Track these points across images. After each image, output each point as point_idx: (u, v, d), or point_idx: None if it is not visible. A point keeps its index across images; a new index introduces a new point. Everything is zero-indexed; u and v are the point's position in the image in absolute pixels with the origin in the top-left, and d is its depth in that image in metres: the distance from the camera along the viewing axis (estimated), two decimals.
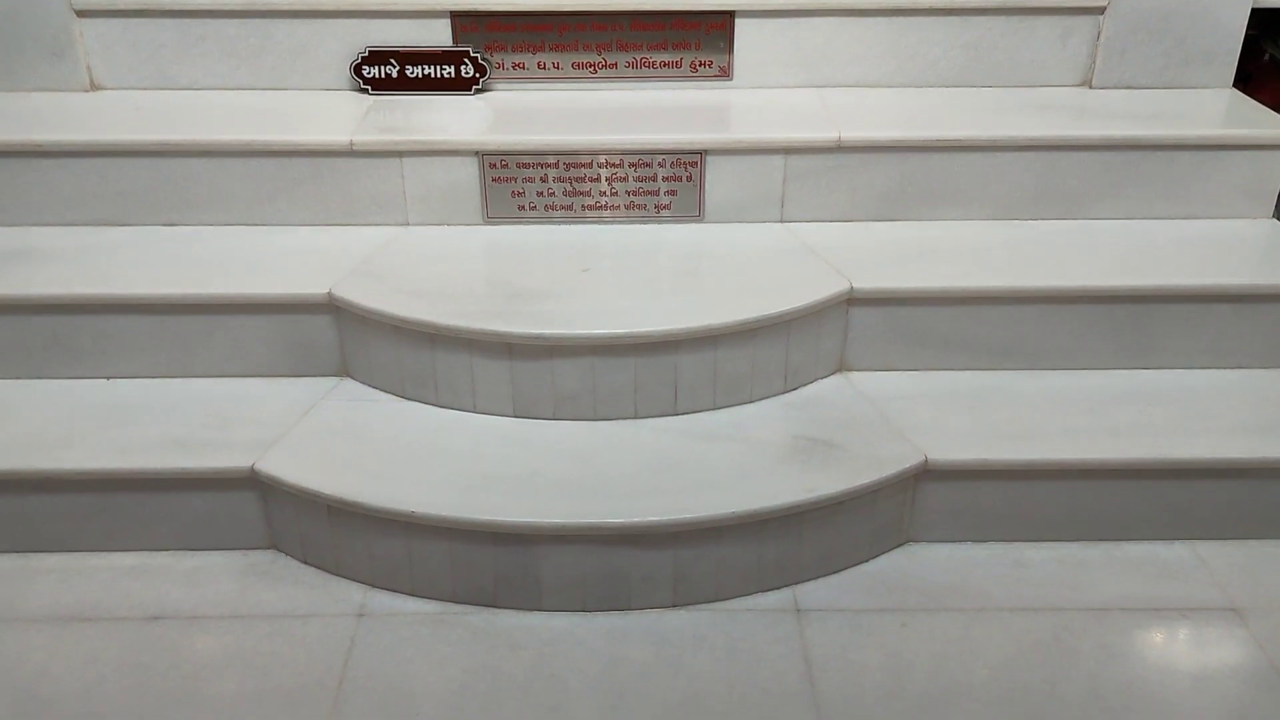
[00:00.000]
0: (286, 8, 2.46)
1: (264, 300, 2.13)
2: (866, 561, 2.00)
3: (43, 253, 2.25)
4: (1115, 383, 2.19)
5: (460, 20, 2.50)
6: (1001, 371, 2.22)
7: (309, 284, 2.13)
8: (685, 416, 2.09)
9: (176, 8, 2.44)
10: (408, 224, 2.38)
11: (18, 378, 2.18)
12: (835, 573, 1.97)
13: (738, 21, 2.52)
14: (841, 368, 2.22)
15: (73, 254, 2.25)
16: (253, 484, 1.95)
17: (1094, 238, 2.34)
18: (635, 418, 2.07)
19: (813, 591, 1.93)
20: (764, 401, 2.13)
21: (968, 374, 2.21)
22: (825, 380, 2.20)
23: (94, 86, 2.52)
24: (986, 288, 2.17)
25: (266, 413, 2.08)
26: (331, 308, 2.12)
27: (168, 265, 2.21)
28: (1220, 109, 2.50)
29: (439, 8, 2.48)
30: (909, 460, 1.94)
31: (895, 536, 2.03)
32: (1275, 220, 2.42)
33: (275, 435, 2.00)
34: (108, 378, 2.18)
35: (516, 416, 2.08)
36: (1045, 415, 2.09)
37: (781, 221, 2.42)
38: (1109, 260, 2.26)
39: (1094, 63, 2.56)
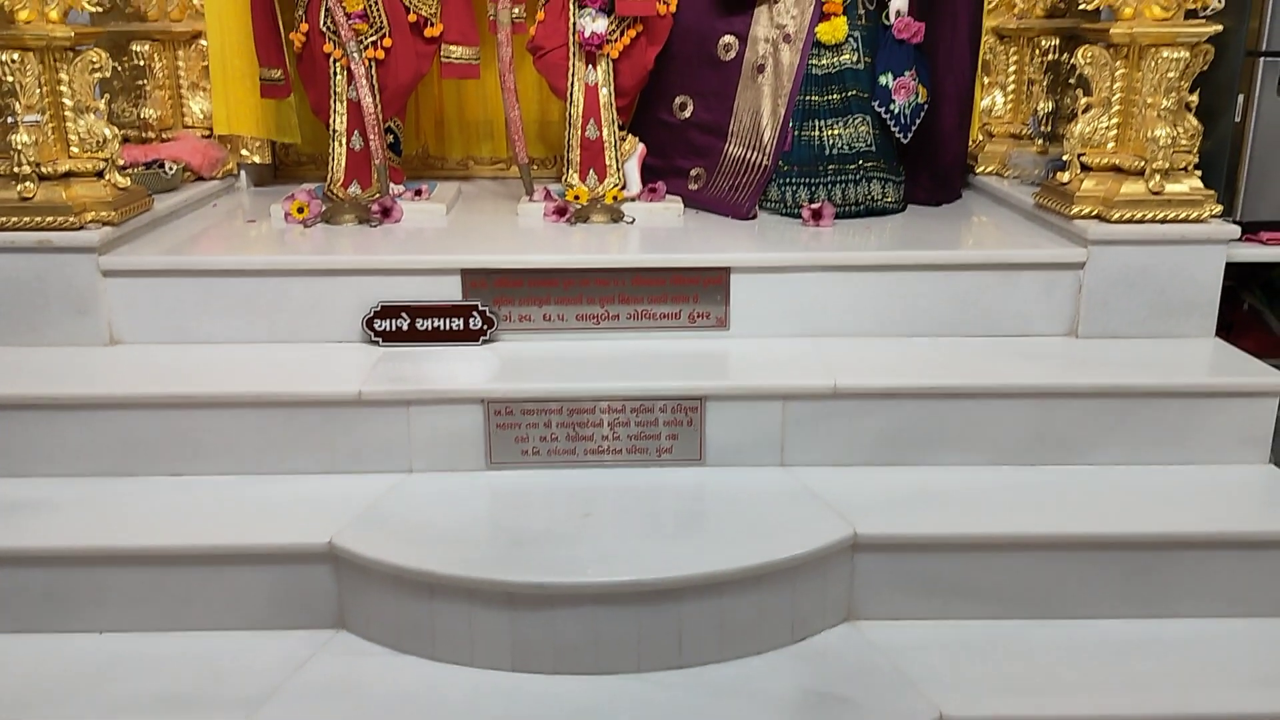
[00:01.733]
0: (305, 267, 2.58)
1: (263, 550, 2.11)
2: None
3: (45, 504, 2.25)
4: (1127, 631, 2.14)
5: (470, 276, 2.62)
6: (1012, 620, 2.17)
7: (309, 533, 2.12)
8: (691, 670, 2.02)
9: (201, 268, 2.57)
10: (411, 471, 2.40)
11: (9, 631, 2.13)
12: None
13: (734, 276, 2.64)
14: (850, 616, 2.18)
15: (74, 505, 2.25)
16: None
17: (1095, 483, 2.35)
18: (638, 671, 2.01)
19: None
20: (771, 654, 2.07)
21: (979, 623, 2.16)
22: (834, 630, 2.15)
23: (113, 341, 2.60)
24: (991, 534, 2.16)
25: (260, 667, 2.02)
26: (331, 557, 2.10)
27: (169, 516, 2.21)
28: (1206, 357, 2.57)
29: (451, 266, 2.61)
30: (923, 716, 1.87)
31: None
32: (1273, 466, 2.44)
33: (267, 692, 1.93)
34: (100, 631, 2.13)
35: (515, 670, 2.02)
36: (1060, 666, 2.02)
37: (782, 465, 2.43)
38: (1112, 506, 2.26)
39: (1078, 313, 2.66)
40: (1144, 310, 2.66)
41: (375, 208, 2.97)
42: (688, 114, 3.25)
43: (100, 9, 2.63)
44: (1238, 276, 2.98)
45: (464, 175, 3.72)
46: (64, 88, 2.57)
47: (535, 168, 3.47)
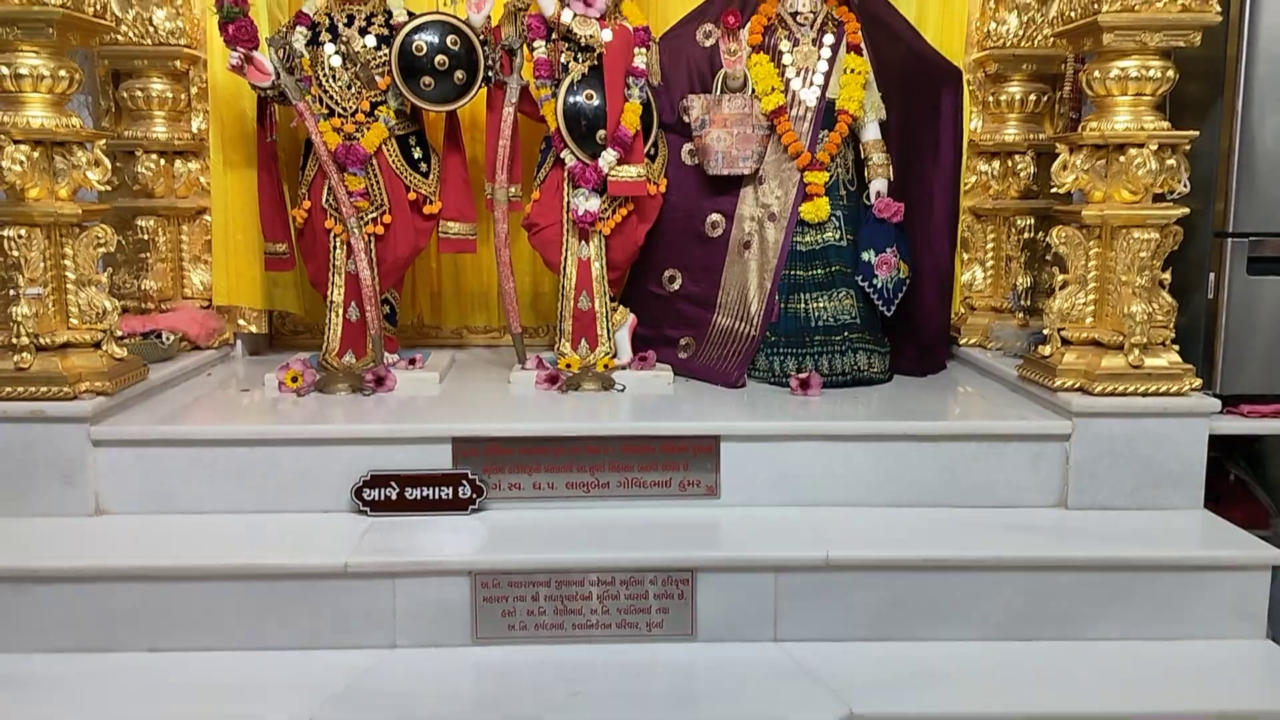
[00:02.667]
0: (295, 437, 2.60)
1: None
2: None
3: (15, 682, 2.18)
4: None
5: (461, 445, 2.63)
6: None
7: (287, 714, 2.05)
8: None
9: (190, 438, 2.58)
10: (395, 646, 2.34)
11: None
12: None
13: (724, 445, 2.65)
14: None
15: (47, 684, 2.18)
16: None
17: (1092, 659, 2.31)
18: None
19: None
20: None
21: None
22: None
23: (99, 511, 2.58)
24: (990, 714, 2.11)
25: None
26: None
27: (141, 698, 2.14)
28: (1196, 530, 2.57)
29: (441, 434, 2.62)
30: None
31: None
32: (1270, 641, 2.41)
33: None
34: None
35: None
36: None
37: (775, 640, 2.39)
38: (1110, 685, 2.21)
39: (1067, 485, 2.67)
40: (1132, 482, 2.67)
41: (369, 377, 3.00)
42: (677, 286, 3.34)
43: (109, 188, 2.72)
44: (1222, 447, 3.00)
45: (458, 344, 3.78)
46: (68, 261, 2.64)
47: (528, 336, 3.53)
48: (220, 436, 2.59)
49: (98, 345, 2.67)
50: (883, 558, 2.40)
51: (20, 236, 2.54)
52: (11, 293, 2.56)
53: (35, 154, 2.54)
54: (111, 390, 2.63)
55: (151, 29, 3.20)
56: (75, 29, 2.59)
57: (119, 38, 3.15)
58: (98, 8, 2.65)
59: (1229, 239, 2.79)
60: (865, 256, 3.14)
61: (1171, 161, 2.66)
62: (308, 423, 2.69)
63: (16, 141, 2.50)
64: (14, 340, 2.54)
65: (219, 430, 2.61)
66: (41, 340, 2.56)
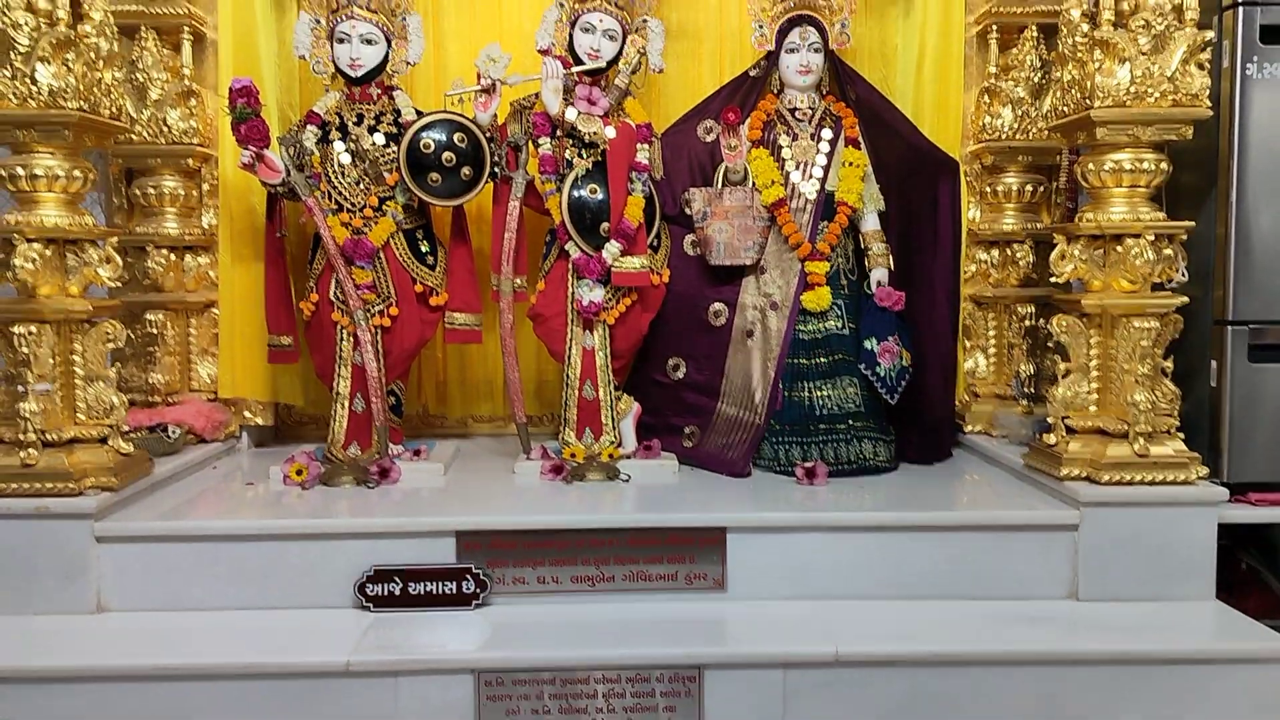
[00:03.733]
0: (299, 532, 2.59)
1: None
2: None
3: None
4: None
5: (465, 538, 2.61)
6: None
7: None
8: None
9: (194, 533, 2.57)
10: None
11: None
12: None
13: (730, 537, 2.64)
14: None
15: None
16: None
17: None
18: None
19: None
20: None
21: None
22: None
23: (101, 609, 2.56)
24: None
25: None
26: None
27: None
28: (1209, 622, 2.54)
29: (445, 528, 2.61)
30: None
31: None
32: None
33: None
34: None
35: None
36: None
37: None
38: None
39: (1077, 575, 2.64)
40: (1142, 572, 2.64)
41: (374, 469, 3.00)
42: (681, 374, 3.35)
43: (119, 284, 2.76)
44: (1233, 536, 2.97)
45: (463, 433, 3.78)
46: (77, 357, 2.66)
47: (533, 425, 3.54)
48: (224, 532, 2.58)
49: (104, 440, 2.67)
50: (892, 653, 2.36)
51: (30, 333, 2.57)
52: (20, 388, 2.57)
53: (48, 252, 2.59)
54: (116, 486, 2.63)
55: (165, 128, 3.27)
56: (91, 131, 2.66)
57: (133, 137, 3.22)
58: (114, 110, 2.72)
59: (1229, 327, 2.81)
60: (868, 345, 3.16)
61: (1169, 251, 2.70)
62: (312, 517, 2.68)
63: (30, 240, 2.55)
64: (21, 436, 2.55)
65: (223, 525, 2.60)
66: (48, 436, 2.57)
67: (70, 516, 2.54)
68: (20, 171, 2.57)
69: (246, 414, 3.48)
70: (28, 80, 2.49)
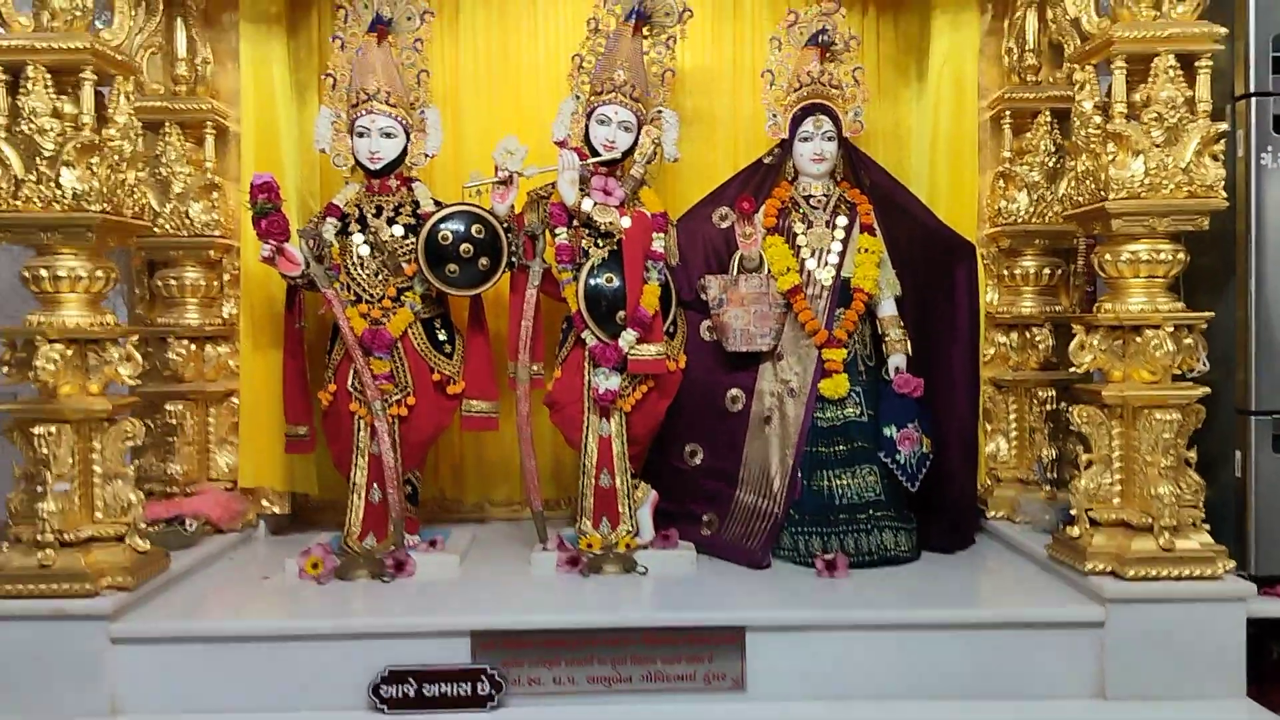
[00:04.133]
0: (314, 632, 2.57)
1: None
2: None
3: None
4: None
5: (480, 638, 2.59)
6: None
7: None
8: None
9: (210, 634, 2.56)
10: None
11: None
12: None
13: (749, 636, 2.60)
14: None
15: None
16: None
17: None
18: None
19: None
20: None
21: None
22: None
23: (115, 711, 2.53)
24: None
25: None
26: None
27: None
28: None
29: (460, 628, 2.59)
30: None
31: None
32: None
33: None
34: None
35: None
36: None
37: None
38: None
39: (1104, 673, 2.58)
40: (1170, 669, 2.58)
41: (389, 562, 2.99)
42: (699, 461, 3.34)
43: (139, 383, 2.77)
44: (1263, 625, 2.90)
45: (480, 517, 3.77)
46: (96, 456, 2.67)
47: (550, 508, 3.53)
48: (238, 633, 2.57)
49: (121, 539, 2.68)
50: None
51: (50, 433, 2.58)
52: (39, 488, 2.58)
53: (69, 352, 2.61)
54: (132, 586, 2.62)
55: (188, 221, 3.32)
56: (114, 232, 2.70)
57: (156, 230, 3.26)
58: (137, 210, 2.77)
59: (1252, 417, 2.77)
60: (887, 432, 3.14)
61: (1189, 340, 2.67)
62: (326, 617, 2.65)
63: (52, 341, 2.57)
64: (39, 537, 2.55)
65: (237, 626, 2.59)
66: (66, 536, 2.58)
67: (86, 618, 2.53)
68: (44, 273, 2.60)
69: (264, 502, 3.48)
70: (53, 184, 2.54)
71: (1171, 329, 2.64)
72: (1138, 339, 2.68)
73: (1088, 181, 2.74)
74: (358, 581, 2.95)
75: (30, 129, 2.53)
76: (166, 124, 3.35)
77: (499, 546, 3.37)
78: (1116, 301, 2.72)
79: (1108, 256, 2.73)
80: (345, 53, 3.18)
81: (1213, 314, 2.69)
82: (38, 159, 2.53)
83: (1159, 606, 2.59)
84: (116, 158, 2.66)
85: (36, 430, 2.58)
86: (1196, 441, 2.72)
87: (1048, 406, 3.41)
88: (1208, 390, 2.68)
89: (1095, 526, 2.74)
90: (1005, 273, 3.50)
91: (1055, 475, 3.35)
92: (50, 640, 2.53)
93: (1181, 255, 2.68)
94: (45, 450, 2.58)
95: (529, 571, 3.05)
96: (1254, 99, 2.75)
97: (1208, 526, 2.68)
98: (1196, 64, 2.63)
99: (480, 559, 3.21)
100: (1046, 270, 3.45)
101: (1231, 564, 2.64)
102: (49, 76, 2.57)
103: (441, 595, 2.84)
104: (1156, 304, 2.67)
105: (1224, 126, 2.62)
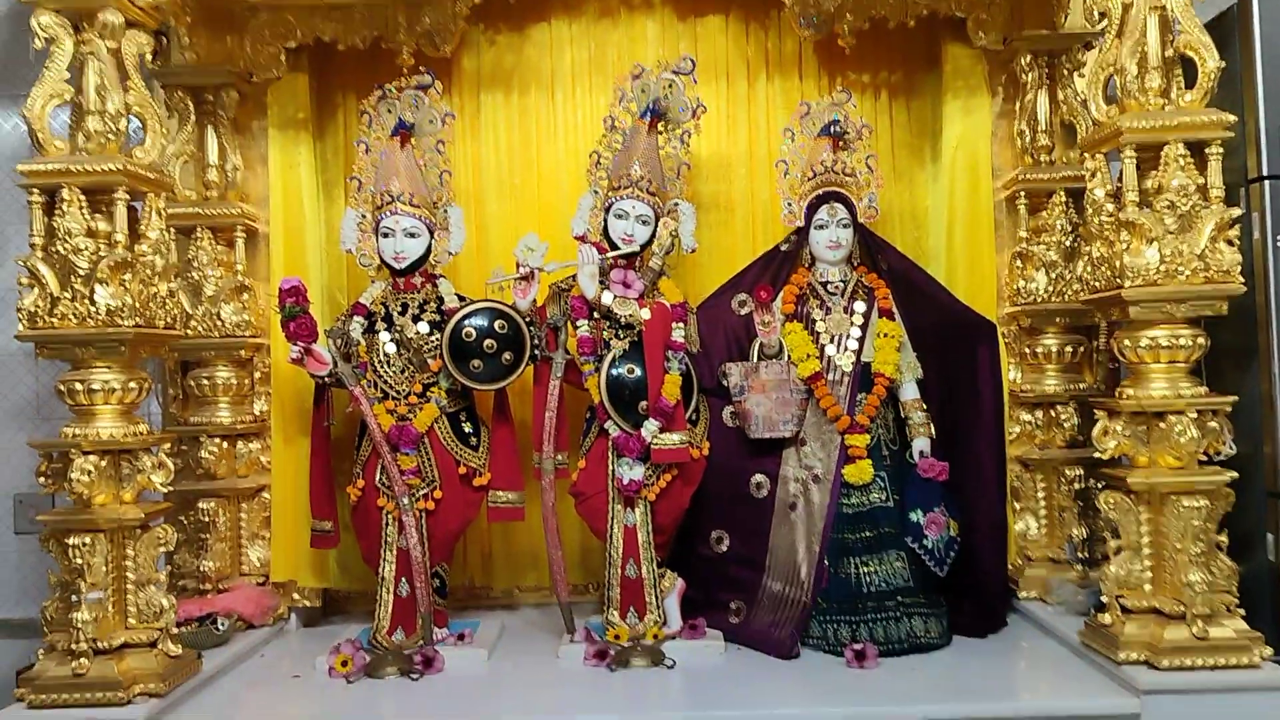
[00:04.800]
0: None
1: None
2: None
3: None
4: None
5: None
6: None
7: None
8: None
9: None
10: None
11: None
12: None
13: None
14: None
15: None
16: None
17: None
18: None
19: None
20: None
21: None
22: None
23: None
24: None
25: None
26: None
27: None
28: None
29: None
30: None
31: None
32: None
33: None
34: None
35: None
36: None
37: None
38: None
39: None
40: None
41: (418, 658, 3.00)
42: (724, 548, 3.33)
43: (171, 488, 2.83)
44: None
45: (509, 603, 3.77)
46: (129, 563, 2.72)
47: (577, 594, 3.54)
48: None
49: (153, 644, 2.71)
50: None
51: (85, 544, 2.63)
52: (74, 598, 2.63)
53: (103, 463, 2.67)
54: (164, 691, 2.65)
55: (219, 322, 3.40)
56: (147, 344, 2.77)
57: (188, 333, 3.34)
58: (169, 320, 2.84)
59: None
60: (913, 517, 3.12)
61: (1214, 424, 2.65)
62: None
63: (86, 453, 2.64)
64: (74, 646, 2.59)
65: None
66: (99, 644, 2.61)
67: None
68: (79, 386, 2.67)
69: (295, 595, 3.51)
70: (87, 301, 2.62)
71: (1195, 414, 2.62)
72: (1161, 425, 2.66)
73: (1103, 268, 2.74)
74: (387, 679, 2.96)
75: (65, 249, 2.61)
76: (198, 229, 3.44)
77: (527, 637, 3.36)
78: (1138, 387, 2.71)
79: (1127, 342, 2.72)
80: (370, 156, 3.27)
81: (1236, 397, 2.67)
82: (73, 277, 2.61)
83: (1195, 697, 2.54)
84: (149, 272, 2.74)
85: (71, 540, 2.63)
86: (1227, 524, 2.69)
87: (1076, 485, 3.37)
88: (1235, 475, 2.65)
89: (1127, 614, 2.70)
90: (1027, 351, 3.49)
91: (1087, 554, 3.31)
92: None
93: (1202, 340, 2.67)
94: (80, 560, 2.63)
95: (556, 665, 3.05)
96: (1267, 182, 2.75)
97: (1242, 612, 2.64)
98: (1207, 150, 2.64)
99: (509, 651, 3.21)
100: (1069, 348, 3.43)
101: (1268, 651, 2.59)
102: (83, 197, 2.66)
103: (470, 693, 2.84)
104: (1179, 389, 2.66)
105: (1238, 212, 2.62)
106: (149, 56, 2.88)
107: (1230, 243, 2.61)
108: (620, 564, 3.17)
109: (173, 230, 3.07)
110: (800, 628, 3.09)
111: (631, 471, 3.13)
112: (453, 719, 2.65)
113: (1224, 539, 2.67)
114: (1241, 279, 2.62)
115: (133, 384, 2.73)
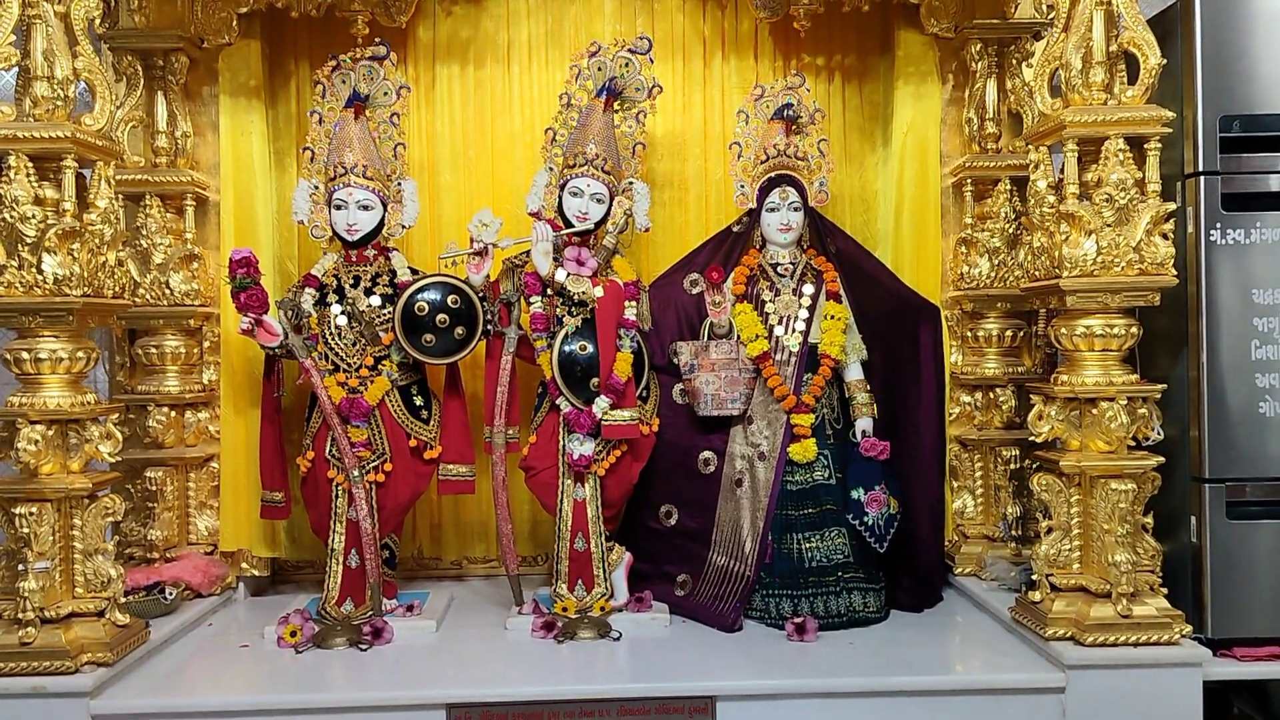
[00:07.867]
0: (291, 706, 2.60)
1: None
2: None
3: None
4: None
5: (455, 710, 2.64)
6: None
7: None
8: None
9: (189, 710, 2.59)
10: None
11: None
12: None
13: (719, 704, 2.66)
14: None
15: None
16: None
17: None
18: None
19: None
20: None
21: None
22: None
23: None
24: None
25: None
26: None
27: None
28: None
29: (436, 701, 2.64)
30: None
31: None
32: None
33: None
34: None
35: None
36: None
37: None
38: None
39: None
40: None
41: (367, 629, 3.03)
42: (673, 521, 3.39)
43: (118, 457, 2.81)
44: (1225, 682, 2.98)
45: (458, 575, 3.81)
46: (76, 533, 2.71)
47: (527, 565, 3.62)
48: (217, 708, 2.60)
49: (101, 614, 2.71)
50: None
51: (32, 513, 2.62)
52: (20, 567, 2.62)
53: (50, 432, 2.66)
54: (112, 660, 2.65)
55: (168, 291, 3.37)
56: (95, 313, 2.75)
57: (136, 301, 3.30)
58: (118, 289, 2.81)
59: (1206, 484, 2.85)
60: (855, 494, 3.21)
61: (1143, 411, 2.76)
62: (304, 689, 2.69)
63: (33, 422, 2.62)
64: (20, 615, 2.59)
65: (216, 701, 2.62)
66: (46, 613, 2.61)
67: (66, 695, 2.56)
68: (25, 355, 2.65)
69: (243, 565, 3.52)
70: (34, 270, 2.59)
71: (1125, 401, 2.72)
72: (1093, 410, 2.76)
73: (1043, 257, 2.83)
74: (336, 650, 2.99)
75: (12, 217, 2.57)
76: (147, 196, 3.40)
77: (476, 608, 3.41)
78: (1072, 374, 2.80)
79: (1063, 330, 2.81)
80: (323, 127, 3.25)
81: (1165, 385, 2.77)
82: (19, 246, 2.58)
83: (1118, 672, 2.66)
84: (97, 241, 2.71)
85: (18, 510, 2.62)
86: (1154, 506, 2.80)
87: (1011, 465, 3.49)
88: (1162, 460, 2.76)
89: (1056, 591, 2.81)
90: (969, 334, 3.58)
91: (1020, 532, 3.43)
92: (31, 718, 2.56)
93: (1135, 329, 2.77)
94: (26, 529, 2.62)
95: (505, 636, 3.10)
96: (1203, 178, 2.84)
97: (1165, 591, 2.77)
98: (1146, 145, 2.73)
99: (457, 622, 3.25)
100: (1009, 333, 3.53)
101: (1188, 629, 2.71)
102: (30, 164, 2.62)
103: (418, 664, 2.87)
104: (1111, 377, 2.76)
105: (1173, 206, 2.71)
106: (97, 20, 2.83)
107: (1165, 236, 2.71)
108: (569, 537, 3.22)
109: (121, 197, 3.04)
110: (743, 601, 3.17)
111: (582, 447, 3.17)
112: (401, 690, 2.67)
113: (1149, 521, 2.78)
114: (1174, 272, 2.72)
115: (80, 353, 2.71)
